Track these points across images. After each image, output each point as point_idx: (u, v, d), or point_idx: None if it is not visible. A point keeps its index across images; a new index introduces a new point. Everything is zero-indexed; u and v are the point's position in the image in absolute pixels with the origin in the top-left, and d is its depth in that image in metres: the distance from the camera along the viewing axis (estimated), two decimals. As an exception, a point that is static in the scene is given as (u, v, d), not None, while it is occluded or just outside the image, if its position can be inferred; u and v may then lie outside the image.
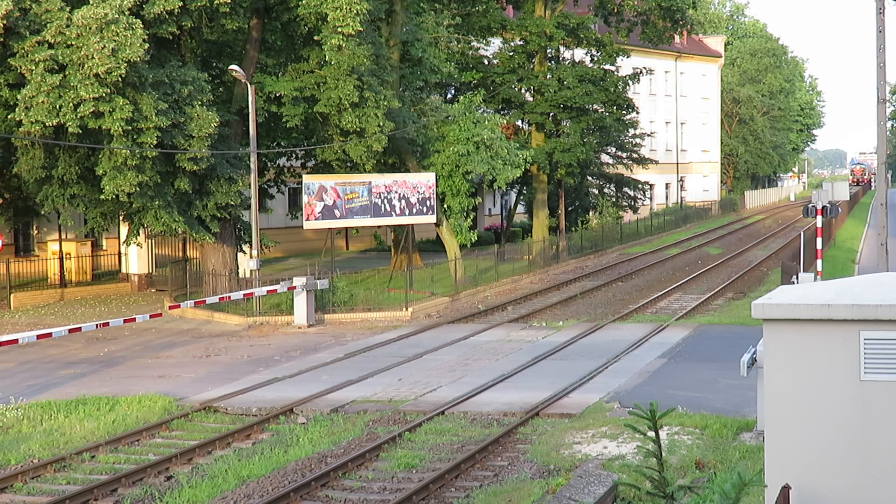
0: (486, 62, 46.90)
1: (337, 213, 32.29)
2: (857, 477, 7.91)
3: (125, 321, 23.04)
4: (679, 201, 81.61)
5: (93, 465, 15.08)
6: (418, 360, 22.66)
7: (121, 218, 30.77)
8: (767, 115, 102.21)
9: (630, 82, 48.18)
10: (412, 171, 35.70)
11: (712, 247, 52.38)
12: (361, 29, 27.67)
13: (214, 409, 18.38)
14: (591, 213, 56.71)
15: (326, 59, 28.55)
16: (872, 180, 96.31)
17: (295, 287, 28.04)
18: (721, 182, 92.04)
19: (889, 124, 75.76)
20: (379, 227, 42.02)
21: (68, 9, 23.87)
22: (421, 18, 38.34)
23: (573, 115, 46.51)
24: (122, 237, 34.75)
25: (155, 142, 24.79)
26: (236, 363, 23.09)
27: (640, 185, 60.15)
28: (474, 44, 46.31)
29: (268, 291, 28.60)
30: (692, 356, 21.90)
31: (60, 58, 23.55)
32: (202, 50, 31.14)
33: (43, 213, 33.65)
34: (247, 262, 31.68)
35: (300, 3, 27.86)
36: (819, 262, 28.55)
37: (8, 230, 36.78)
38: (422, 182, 34.04)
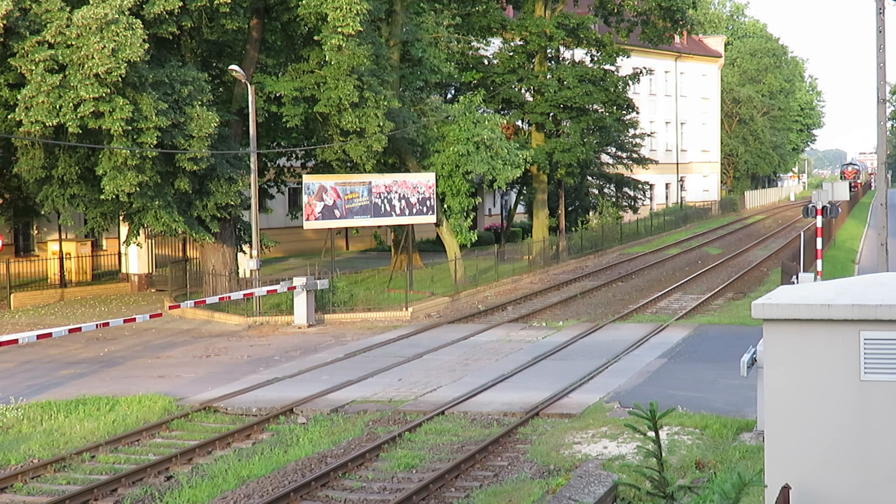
0: (486, 62, 46.90)
1: (337, 213, 32.28)
2: (857, 477, 7.90)
3: (125, 321, 23.05)
4: (679, 201, 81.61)
5: (93, 465, 15.08)
6: (418, 360, 22.65)
7: (121, 218, 30.77)
8: (767, 115, 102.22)
9: (630, 82, 48.20)
10: (412, 171, 35.68)
11: (712, 247, 52.36)
12: (361, 29, 27.67)
13: (214, 409, 18.38)
14: (591, 213, 56.69)
15: (326, 59, 28.54)
16: (872, 181, 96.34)
17: (295, 287, 28.04)
18: (721, 182, 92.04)
19: (889, 124, 75.77)
20: (379, 227, 42.03)
21: (68, 9, 23.86)
22: (421, 18, 38.33)
23: (573, 115, 46.51)
24: (122, 237, 34.75)
25: (155, 142, 24.79)
26: (236, 363, 23.09)
27: (640, 185, 60.16)
28: (474, 44, 46.33)
29: (268, 291, 28.60)
30: (692, 356, 21.90)
31: (60, 58, 23.55)
32: (202, 50, 31.14)
33: (43, 213, 33.64)
34: (247, 262, 31.68)
35: (300, 3, 27.86)
36: (819, 262, 28.54)
37: (8, 230, 36.77)
38: (422, 182, 34.02)
